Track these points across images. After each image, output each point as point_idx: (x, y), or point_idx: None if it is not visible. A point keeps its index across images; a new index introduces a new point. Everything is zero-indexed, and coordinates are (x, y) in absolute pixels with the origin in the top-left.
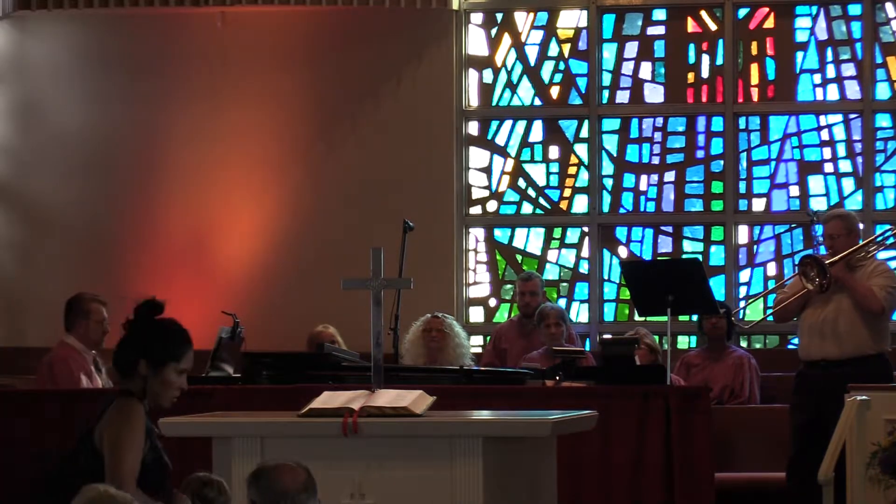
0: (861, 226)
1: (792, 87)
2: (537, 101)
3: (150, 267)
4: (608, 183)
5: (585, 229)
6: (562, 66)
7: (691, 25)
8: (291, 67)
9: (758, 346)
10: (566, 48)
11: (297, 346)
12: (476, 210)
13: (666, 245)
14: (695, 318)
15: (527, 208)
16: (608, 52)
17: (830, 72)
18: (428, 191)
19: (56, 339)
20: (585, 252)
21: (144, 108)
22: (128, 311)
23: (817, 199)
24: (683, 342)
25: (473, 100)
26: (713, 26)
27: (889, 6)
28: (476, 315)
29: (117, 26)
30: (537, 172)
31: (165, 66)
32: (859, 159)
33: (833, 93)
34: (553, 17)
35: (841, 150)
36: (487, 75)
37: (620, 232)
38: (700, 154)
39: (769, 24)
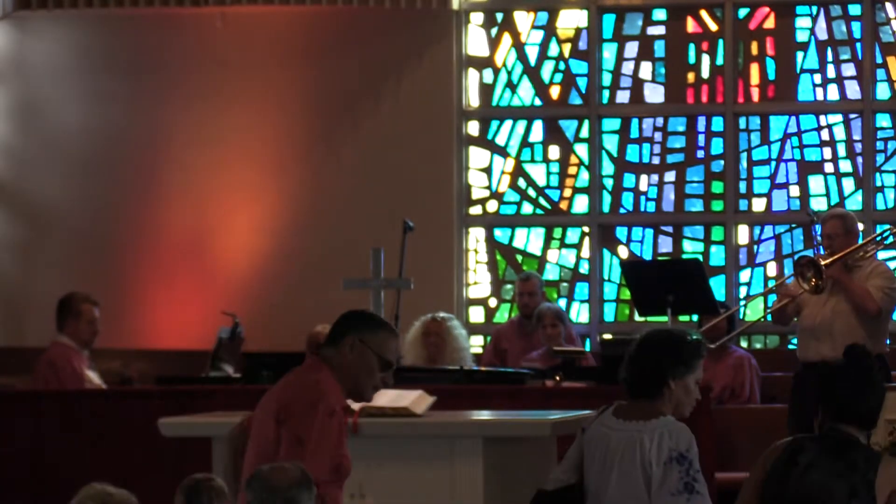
0: (861, 226)
1: (792, 87)
2: (537, 101)
3: (150, 267)
4: (608, 183)
5: (585, 229)
6: (562, 66)
7: (691, 25)
8: (291, 67)
9: (758, 346)
10: (566, 48)
11: (297, 346)
12: (476, 210)
13: (666, 245)
14: (695, 318)
15: (527, 208)
16: (608, 52)
17: (830, 72)
18: (428, 191)
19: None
20: (585, 252)
21: (144, 108)
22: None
23: (817, 199)
24: None
25: (473, 100)
26: (713, 26)
27: (889, 6)
28: (476, 315)
29: (117, 26)
30: (537, 172)
31: (165, 66)
32: (859, 159)
33: (833, 93)
34: (553, 17)
35: (841, 150)
36: (487, 75)
37: (620, 232)
38: (700, 154)
39: (769, 24)
